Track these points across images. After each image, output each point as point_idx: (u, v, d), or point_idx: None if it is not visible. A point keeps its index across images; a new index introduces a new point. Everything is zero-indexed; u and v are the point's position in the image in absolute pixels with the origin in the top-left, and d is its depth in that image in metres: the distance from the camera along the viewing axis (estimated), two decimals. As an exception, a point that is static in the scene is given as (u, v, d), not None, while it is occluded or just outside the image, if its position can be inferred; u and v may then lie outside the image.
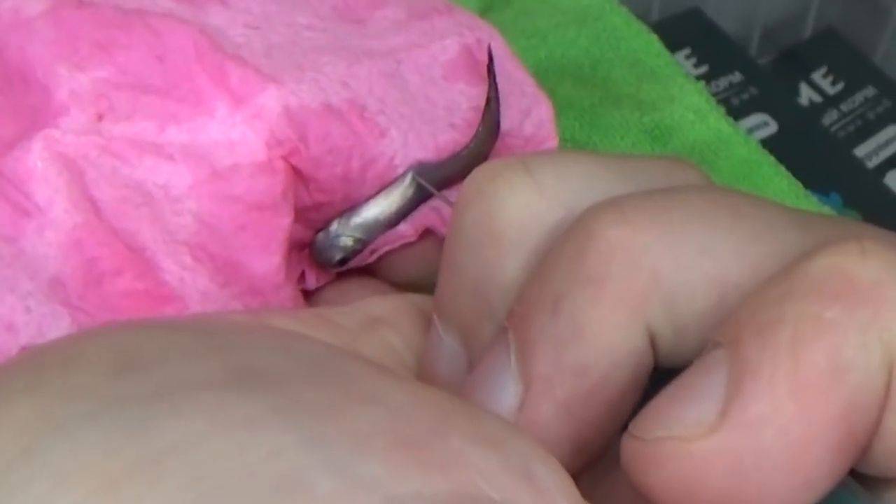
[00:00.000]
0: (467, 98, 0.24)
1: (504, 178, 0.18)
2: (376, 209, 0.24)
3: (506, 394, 0.17)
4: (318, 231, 0.24)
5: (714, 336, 0.15)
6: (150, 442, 0.13)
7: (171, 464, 0.12)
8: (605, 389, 0.16)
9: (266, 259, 0.22)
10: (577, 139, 0.35)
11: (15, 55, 0.22)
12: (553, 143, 0.24)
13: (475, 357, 0.18)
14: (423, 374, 0.19)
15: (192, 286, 0.22)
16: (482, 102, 0.23)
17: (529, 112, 0.24)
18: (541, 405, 0.16)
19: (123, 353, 0.15)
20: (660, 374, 0.17)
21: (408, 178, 0.23)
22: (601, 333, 0.16)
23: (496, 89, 0.23)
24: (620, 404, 0.17)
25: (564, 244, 0.17)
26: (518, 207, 0.18)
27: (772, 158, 0.36)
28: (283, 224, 0.22)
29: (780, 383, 0.14)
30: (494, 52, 0.24)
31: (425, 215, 0.24)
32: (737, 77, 0.55)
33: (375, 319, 0.20)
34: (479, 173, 0.18)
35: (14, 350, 0.21)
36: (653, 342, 0.16)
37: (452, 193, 0.24)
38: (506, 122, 0.24)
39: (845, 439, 0.14)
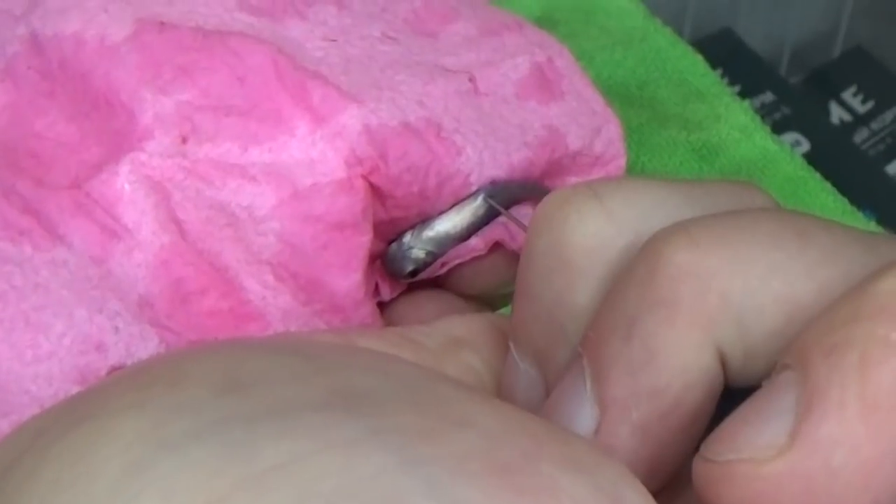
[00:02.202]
0: (539, 117, 0.24)
1: (573, 204, 0.18)
2: (448, 224, 0.24)
3: (582, 417, 0.17)
4: (390, 242, 0.24)
5: (783, 358, 0.15)
6: (255, 461, 0.13)
7: (276, 483, 0.13)
8: (679, 411, 0.17)
9: (347, 277, 0.22)
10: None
11: (101, 81, 0.22)
12: (622, 161, 0.25)
13: (551, 382, 0.19)
14: (502, 398, 0.20)
15: (274, 305, 0.22)
16: (554, 121, 0.24)
17: (599, 130, 0.24)
18: (618, 428, 0.17)
19: (228, 373, 0.15)
20: (729, 393, 0.17)
21: (479, 198, 0.24)
22: (674, 356, 0.16)
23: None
24: (694, 425, 0.17)
25: (635, 269, 0.17)
26: (587, 234, 0.18)
27: (817, 175, 0.36)
28: (363, 242, 0.22)
29: (849, 405, 0.14)
30: (564, 70, 0.24)
31: (495, 229, 0.24)
32: (769, 97, 0.56)
33: (457, 341, 0.20)
34: (548, 201, 0.19)
35: (104, 370, 0.21)
36: (723, 362, 0.17)
37: (521, 209, 0.25)
38: (576, 141, 0.24)
39: None
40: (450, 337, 0.20)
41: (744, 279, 0.16)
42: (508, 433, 0.14)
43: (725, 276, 0.16)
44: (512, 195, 0.24)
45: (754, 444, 0.15)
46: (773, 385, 0.15)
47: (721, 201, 0.18)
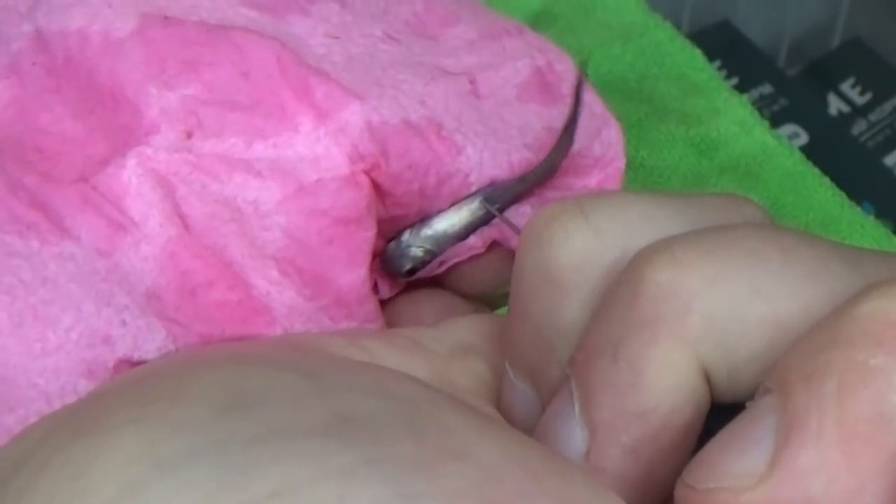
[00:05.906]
0: (540, 118, 0.24)
1: (560, 222, 0.18)
2: (446, 223, 0.24)
3: (573, 440, 0.17)
4: (389, 241, 0.24)
5: (764, 381, 0.15)
6: (249, 487, 0.13)
7: None
8: (667, 431, 0.17)
9: (352, 272, 0.23)
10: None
11: (106, 76, 0.23)
12: (620, 163, 0.25)
13: (545, 399, 0.19)
14: (502, 413, 0.20)
15: (279, 300, 0.22)
16: (554, 123, 0.24)
17: (599, 133, 0.25)
18: (608, 451, 0.17)
19: (229, 391, 0.15)
20: (717, 408, 0.17)
21: (477, 200, 0.24)
22: (660, 377, 0.16)
23: (577, 114, 0.24)
24: (683, 443, 0.17)
25: (619, 289, 0.17)
26: (574, 252, 0.18)
27: (816, 170, 0.37)
28: (367, 237, 0.23)
29: (827, 433, 0.14)
30: (563, 75, 0.25)
31: (493, 228, 0.25)
32: (767, 88, 0.56)
33: (465, 346, 0.21)
34: (536, 219, 0.19)
35: (111, 362, 0.21)
36: (708, 381, 0.17)
37: (520, 209, 0.25)
38: (576, 143, 0.25)
39: (894, 485, 0.14)
40: (458, 342, 0.21)
41: (726, 299, 0.16)
42: (506, 467, 0.14)
43: (707, 295, 0.16)
44: (510, 196, 0.24)
45: (733, 472, 0.15)
46: (754, 410, 0.15)
47: (710, 216, 0.18)
